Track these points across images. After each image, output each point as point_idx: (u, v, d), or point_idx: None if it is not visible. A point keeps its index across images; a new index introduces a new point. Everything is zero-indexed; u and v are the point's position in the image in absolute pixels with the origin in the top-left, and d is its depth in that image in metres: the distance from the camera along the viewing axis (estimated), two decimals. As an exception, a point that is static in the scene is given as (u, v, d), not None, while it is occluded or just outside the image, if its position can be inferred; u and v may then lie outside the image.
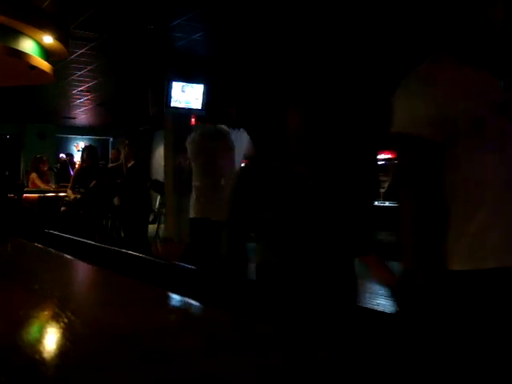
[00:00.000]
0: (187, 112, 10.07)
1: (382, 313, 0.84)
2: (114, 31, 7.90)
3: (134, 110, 14.06)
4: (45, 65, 7.61)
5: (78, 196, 6.89)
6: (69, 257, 1.59)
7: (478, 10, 1.65)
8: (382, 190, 12.49)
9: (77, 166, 10.22)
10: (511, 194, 1.49)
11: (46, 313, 0.92)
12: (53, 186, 9.20)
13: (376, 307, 4.63)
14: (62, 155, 12.64)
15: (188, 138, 4.24)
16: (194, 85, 9.80)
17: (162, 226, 10.84)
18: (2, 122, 15.74)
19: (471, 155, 1.47)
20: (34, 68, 7.40)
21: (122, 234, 7.57)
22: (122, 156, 7.11)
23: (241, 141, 4.16)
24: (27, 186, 8.94)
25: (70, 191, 7.06)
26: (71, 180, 7.27)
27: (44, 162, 9.20)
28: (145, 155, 7.39)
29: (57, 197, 8.36)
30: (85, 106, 13.82)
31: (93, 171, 7.08)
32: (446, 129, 1.47)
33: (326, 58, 8.44)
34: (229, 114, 4.20)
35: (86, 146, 8.02)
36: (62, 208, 7.18)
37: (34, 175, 8.88)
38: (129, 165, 6.46)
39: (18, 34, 7.03)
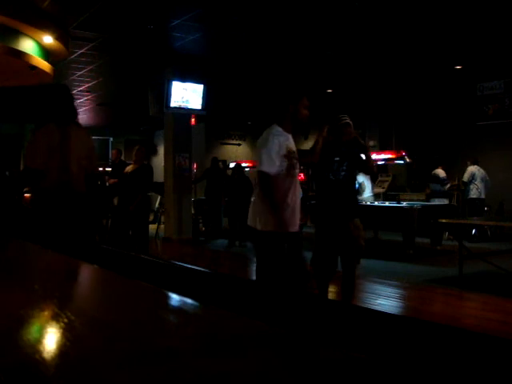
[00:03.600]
0: (187, 112, 10.07)
1: (382, 313, 0.84)
2: (113, 31, 7.89)
3: (134, 110, 14.08)
4: (45, 65, 7.61)
5: None
6: (69, 257, 1.60)
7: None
8: (382, 190, 12.51)
9: None
10: None
11: (45, 313, 0.92)
12: None
13: (376, 307, 4.63)
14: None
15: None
16: (194, 85, 9.81)
17: (162, 226, 10.85)
18: (2, 121, 15.74)
19: None
20: (34, 68, 7.40)
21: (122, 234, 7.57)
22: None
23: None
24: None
25: None
26: None
27: None
28: (148, 163, 7.37)
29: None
30: (85, 106, 13.82)
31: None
32: None
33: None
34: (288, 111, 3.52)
35: None
36: None
37: None
38: (131, 169, 6.46)
39: (18, 34, 7.03)
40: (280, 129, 3.45)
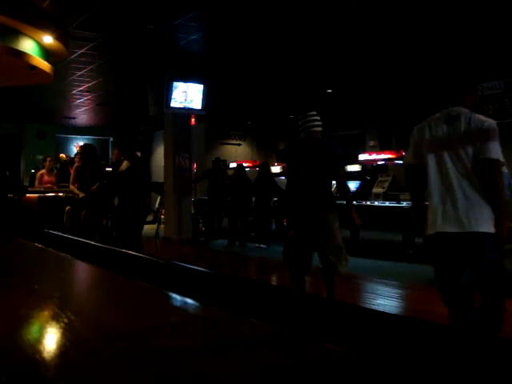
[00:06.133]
0: (187, 112, 10.07)
1: (382, 313, 0.84)
2: (114, 31, 7.89)
3: (134, 110, 14.07)
4: (45, 65, 7.61)
5: (82, 195, 6.85)
6: (69, 257, 1.59)
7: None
8: (382, 190, 12.50)
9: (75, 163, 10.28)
10: None
11: (45, 313, 0.92)
12: (54, 187, 9.23)
13: (376, 307, 4.63)
14: (62, 155, 12.68)
15: None
16: (194, 85, 9.81)
17: (162, 226, 10.84)
18: (2, 121, 15.74)
19: None
20: (34, 68, 7.40)
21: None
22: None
23: None
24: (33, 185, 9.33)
25: (72, 187, 6.97)
26: (73, 176, 7.06)
27: (47, 160, 9.63)
28: (141, 158, 7.09)
29: (57, 197, 8.36)
30: (85, 106, 13.81)
31: (92, 170, 7.02)
32: None
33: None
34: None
35: (82, 145, 8.10)
36: (67, 207, 7.11)
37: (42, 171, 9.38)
38: (122, 167, 6.23)
39: (18, 33, 7.03)
40: None
